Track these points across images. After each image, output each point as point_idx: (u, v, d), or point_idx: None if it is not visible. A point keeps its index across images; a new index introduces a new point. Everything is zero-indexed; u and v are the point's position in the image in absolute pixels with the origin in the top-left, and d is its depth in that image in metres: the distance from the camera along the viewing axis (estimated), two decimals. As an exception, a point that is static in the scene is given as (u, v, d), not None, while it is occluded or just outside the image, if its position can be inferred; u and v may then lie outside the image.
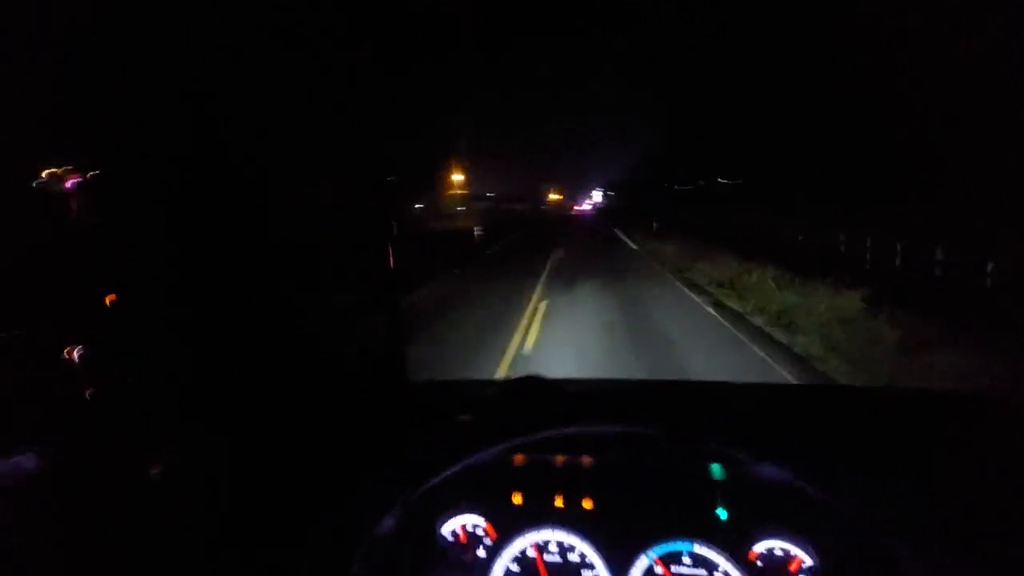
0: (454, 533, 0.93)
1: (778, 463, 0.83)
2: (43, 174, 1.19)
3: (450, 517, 0.93)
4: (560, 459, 0.96)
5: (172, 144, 0.98)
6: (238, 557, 0.80)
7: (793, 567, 0.83)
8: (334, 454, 0.93)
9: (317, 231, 1.16)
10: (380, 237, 1.18)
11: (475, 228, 20.65)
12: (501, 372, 5.37)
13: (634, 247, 18.79)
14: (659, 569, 0.86)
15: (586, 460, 0.96)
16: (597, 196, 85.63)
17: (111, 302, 1.07)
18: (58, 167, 1.23)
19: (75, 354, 1.14)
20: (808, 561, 0.83)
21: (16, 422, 1.08)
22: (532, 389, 1.08)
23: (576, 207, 78.31)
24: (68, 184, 1.16)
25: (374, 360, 1.17)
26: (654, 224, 23.59)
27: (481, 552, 0.91)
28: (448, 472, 0.78)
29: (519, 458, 0.96)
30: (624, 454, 0.95)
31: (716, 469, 0.91)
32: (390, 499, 0.77)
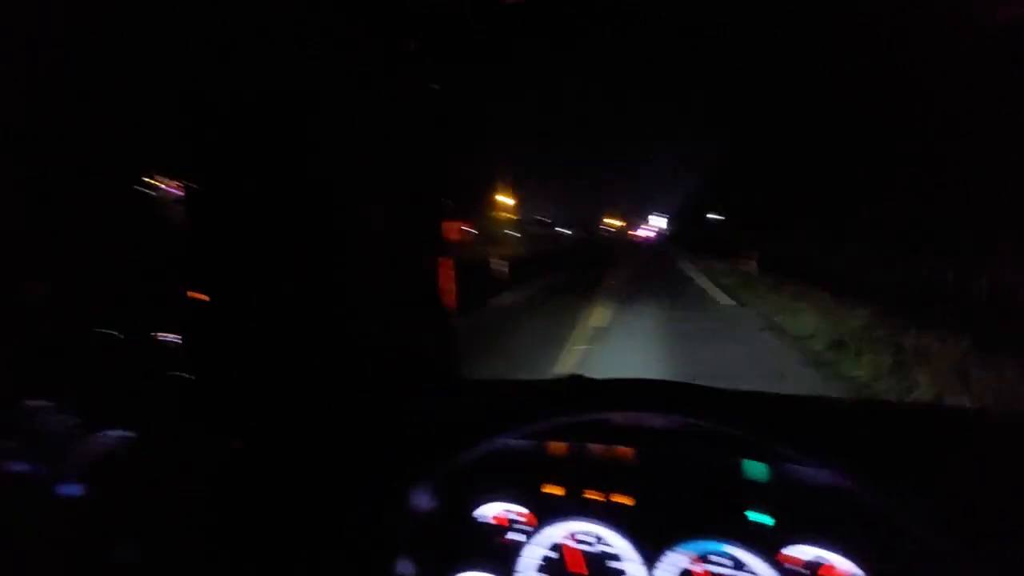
0: (493, 518, 0.97)
1: (828, 464, 0.81)
2: (148, 179, 1.37)
3: (488, 502, 0.98)
4: (601, 451, 0.98)
5: (258, 151, 1.10)
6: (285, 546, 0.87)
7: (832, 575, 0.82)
8: (368, 439, 1.00)
9: (371, 238, 1.25)
10: (432, 251, 1.26)
11: (493, 260, 13.88)
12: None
13: (731, 303, 10.65)
14: (694, 566, 0.86)
15: (628, 453, 0.97)
16: (660, 222, 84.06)
17: (204, 299, 1.19)
18: (159, 172, 1.40)
19: (167, 340, 1.28)
20: (852, 570, 0.81)
21: (105, 403, 1.20)
22: (576, 385, 1.11)
23: (636, 233, 77.21)
24: (173, 190, 1.32)
25: (427, 358, 1.25)
26: (753, 261, 15.29)
27: (517, 536, 0.95)
28: (481, 449, 0.81)
29: (560, 447, 0.99)
30: (668, 449, 0.95)
31: (759, 468, 0.90)
32: (421, 474, 0.81)
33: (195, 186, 1.18)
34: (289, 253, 1.22)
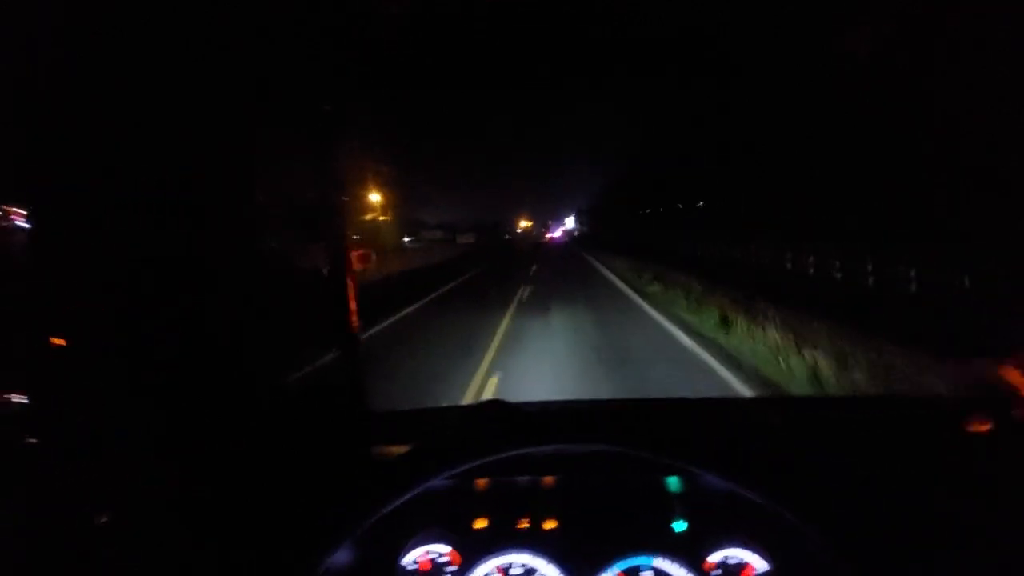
0: (416, 563, 0.91)
1: (720, 474, 0.84)
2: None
3: (413, 547, 0.91)
4: (522, 481, 0.96)
5: (120, 173, 0.96)
6: None
7: (748, 574, 0.84)
8: (286, 486, 0.91)
9: (266, 256, 1.13)
10: (334, 262, 1.17)
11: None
12: None
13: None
14: None
15: (548, 480, 0.96)
16: (570, 223, 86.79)
17: (58, 345, 1.03)
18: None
19: (12, 400, 1.08)
20: (762, 567, 0.84)
21: None
22: (492, 413, 1.08)
23: (547, 235, 79.16)
24: (16, 220, 1.12)
25: (331, 390, 1.16)
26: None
27: None
28: (405, 497, 0.76)
29: (481, 482, 0.96)
30: (585, 472, 0.95)
31: (673, 481, 0.92)
32: (344, 530, 0.75)
33: (44, 209, 1.01)
34: (165, 281, 1.08)
